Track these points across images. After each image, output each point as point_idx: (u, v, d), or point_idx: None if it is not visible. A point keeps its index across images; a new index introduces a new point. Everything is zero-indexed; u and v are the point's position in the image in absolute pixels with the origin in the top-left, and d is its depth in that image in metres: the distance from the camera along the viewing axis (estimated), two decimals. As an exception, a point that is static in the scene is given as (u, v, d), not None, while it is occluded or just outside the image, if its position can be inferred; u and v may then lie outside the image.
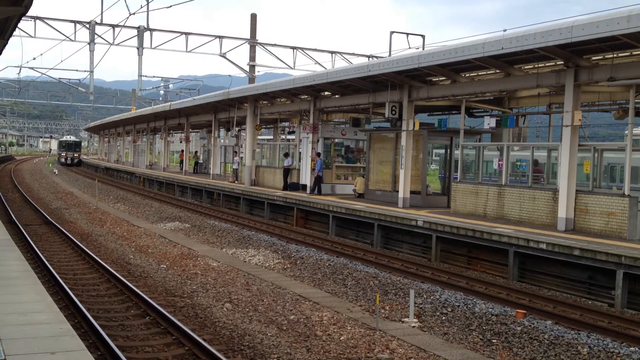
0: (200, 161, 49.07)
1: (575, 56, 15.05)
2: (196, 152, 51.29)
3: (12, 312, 7.21)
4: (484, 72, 18.38)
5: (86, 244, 17.59)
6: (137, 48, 30.39)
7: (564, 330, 10.19)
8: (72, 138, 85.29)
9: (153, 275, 14.04)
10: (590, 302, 12.37)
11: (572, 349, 9.34)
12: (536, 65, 16.60)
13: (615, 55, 14.61)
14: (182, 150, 55.65)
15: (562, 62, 15.61)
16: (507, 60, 16.47)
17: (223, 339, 9.36)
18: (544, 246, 13.43)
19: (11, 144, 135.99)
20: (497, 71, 17.69)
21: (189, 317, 10.51)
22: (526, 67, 17.00)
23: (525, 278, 14.15)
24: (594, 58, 15.23)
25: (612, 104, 19.38)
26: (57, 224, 21.16)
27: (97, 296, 11.85)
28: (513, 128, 21.37)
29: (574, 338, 9.81)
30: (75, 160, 77.37)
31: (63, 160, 77.02)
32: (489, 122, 19.08)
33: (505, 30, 15.96)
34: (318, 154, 26.03)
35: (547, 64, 16.35)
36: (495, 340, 9.74)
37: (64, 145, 78.98)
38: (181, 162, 53.62)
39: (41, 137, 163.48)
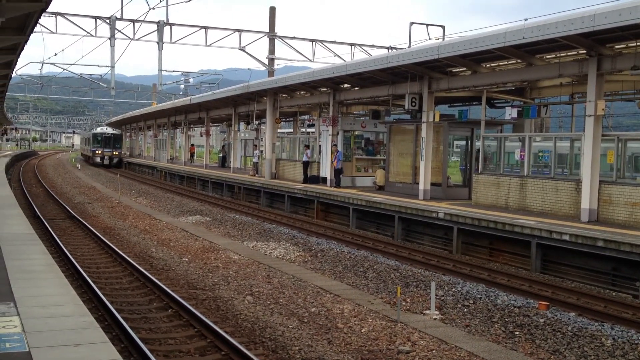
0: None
1: (598, 45, 14.84)
2: (223, 146, 50.91)
3: (36, 305, 7.29)
4: (505, 62, 18.20)
5: (109, 238, 17.75)
6: (157, 43, 30.59)
7: (587, 322, 10.09)
8: (110, 130, 61.95)
9: (175, 268, 14.14)
10: (614, 294, 12.23)
11: (595, 340, 9.25)
12: (558, 55, 16.40)
13: (638, 43, 14.38)
14: (192, 144, 55.77)
15: (584, 51, 15.41)
16: (529, 50, 16.29)
17: (245, 332, 9.40)
18: (567, 237, 13.28)
19: (34, 140, 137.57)
20: (519, 61, 17.51)
21: (210, 310, 10.57)
22: (548, 56, 16.79)
23: (547, 270, 14.01)
24: (617, 47, 15.01)
25: (635, 92, 19.11)
26: (80, 218, 21.37)
27: (120, 289, 11.95)
28: (535, 118, 21.15)
29: (598, 330, 9.71)
30: (115, 160, 58.55)
31: (98, 159, 57.35)
32: (511, 113, 18.93)
33: (526, 20, 15.83)
34: (334, 146, 26.03)
35: (569, 53, 16.14)
36: (517, 332, 9.67)
37: (99, 140, 58.05)
38: (191, 155, 53.80)
39: (64, 133, 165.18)
